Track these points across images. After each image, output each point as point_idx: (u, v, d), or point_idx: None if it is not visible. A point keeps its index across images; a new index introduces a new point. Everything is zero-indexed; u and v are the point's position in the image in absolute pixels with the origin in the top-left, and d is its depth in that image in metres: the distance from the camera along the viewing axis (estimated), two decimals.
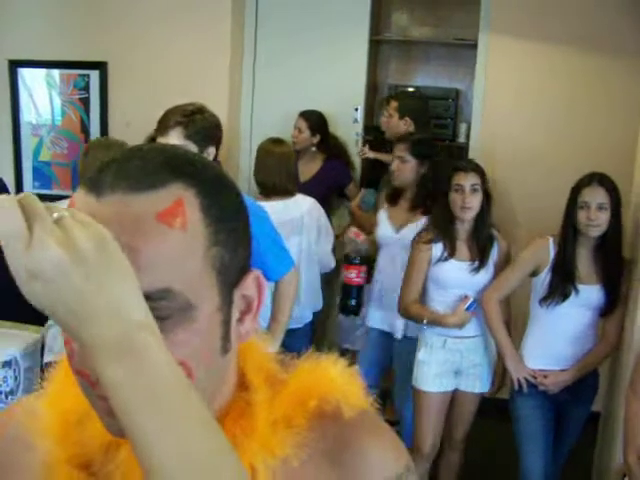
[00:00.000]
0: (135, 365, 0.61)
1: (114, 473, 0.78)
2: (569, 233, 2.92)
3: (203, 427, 0.64)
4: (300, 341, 3.51)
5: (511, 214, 4.24)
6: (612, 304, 2.96)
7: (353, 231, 3.58)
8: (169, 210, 0.68)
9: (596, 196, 2.84)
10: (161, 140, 2.48)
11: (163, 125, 2.50)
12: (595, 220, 2.84)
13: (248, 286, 0.77)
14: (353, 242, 3.55)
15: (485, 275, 3.12)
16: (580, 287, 2.92)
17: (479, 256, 3.11)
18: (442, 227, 3.13)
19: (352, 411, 0.81)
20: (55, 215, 0.60)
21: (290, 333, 3.46)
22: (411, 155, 3.41)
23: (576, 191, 2.91)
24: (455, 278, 3.13)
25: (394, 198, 3.56)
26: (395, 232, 3.46)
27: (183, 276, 0.68)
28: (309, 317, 3.65)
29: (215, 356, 0.74)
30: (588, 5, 4.17)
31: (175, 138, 2.44)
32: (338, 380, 0.83)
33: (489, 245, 3.13)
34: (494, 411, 3.40)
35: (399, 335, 3.44)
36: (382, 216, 3.56)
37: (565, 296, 2.92)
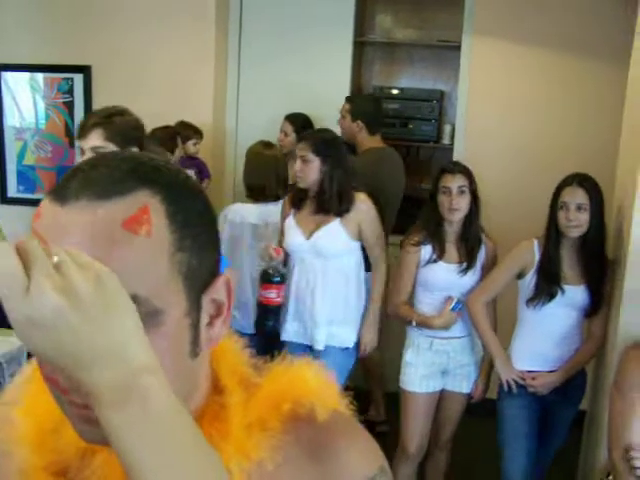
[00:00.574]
0: (137, 411, 0.61)
1: (90, 479, 0.78)
2: (552, 234, 2.94)
3: (205, 470, 0.65)
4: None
5: (496, 216, 4.25)
6: (596, 305, 2.98)
7: (273, 247, 3.31)
8: (134, 217, 0.68)
9: (575, 197, 2.86)
10: (82, 143, 2.45)
11: (83, 128, 2.46)
12: (574, 220, 2.85)
13: (217, 290, 0.76)
14: (272, 259, 3.27)
15: (473, 277, 3.13)
16: (565, 287, 2.93)
17: (467, 258, 3.12)
18: (431, 229, 3.13)
19: (326, 414, 0.81)
20: (55, 259, 0.60)
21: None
22: (314, 154, 3.17)
23: (557, 192, 2.93)
24: (443, 280, 3.13)
25: (299, 202, 3.30)
26: (306, 238, 3.23)
27: (149, 282, 0.68)
28: None
29: (184, 360, 0.74)
30: (572, 6, 4.19)
31: (95, 140, 2.41)
32: (312, 383, 0.83)
33: (477, 247, 3.14)
34: (482, 410, 3.41)
35: (320, 346, 3.28)
36: (290, 223, 3.30)
37: (551, 296, 2.93)
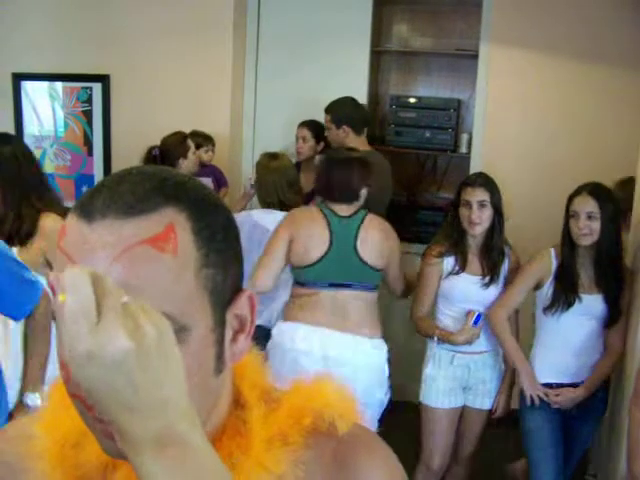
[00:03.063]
0: (177, 458, 0.61)
1: None
2: (566, 243, 2.94)
3: None
4: None
5: (514, 224, 4.23)
6: (614, 314, 2.96)
7: None
8: (160, 235, 0.68)
9: (585, 205, 2.86)
10: None
11: None
12: (584, 229, 2.85)
13: (241, 305, 0.77)
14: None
15: (495, 290, 3.10)
16: (583, 296, 2.92)
17: (490, 271, 3.08)
18: (453, 240, 3.11)
19: (347, 428, 0.81)
20: (125, 299, 0.60)
21: None
22: None
23: (569, 201, 2.93)
24: (465, 292, 3.10)
25: None
26: None
27: (176, 299, 0.69)
28: None
29: (209, 376, 0.74)
30: (589, 15, 4.18)
31: None
32: (332, 397, 0.83)
33: (500, 260, 3.10)
34: (502, 420, 3.37)
35: None
36: None
37: (569, 305, 2.91)
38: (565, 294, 2.92)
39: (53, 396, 0.86)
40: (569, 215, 2.91)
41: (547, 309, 2.96)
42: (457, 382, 3.16)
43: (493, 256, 3.09)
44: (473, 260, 3.11)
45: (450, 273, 3.10)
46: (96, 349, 0.57)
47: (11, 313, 2.33)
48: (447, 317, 3.16)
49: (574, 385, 3.01)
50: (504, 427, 3.40)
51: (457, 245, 3.10)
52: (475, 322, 3.05)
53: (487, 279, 3.08)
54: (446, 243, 3.13)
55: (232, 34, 4.57)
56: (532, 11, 4.27)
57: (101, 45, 4.67)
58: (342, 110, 4.08)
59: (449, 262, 3.11)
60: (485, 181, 3.09)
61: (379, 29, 5.01)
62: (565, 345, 2.98)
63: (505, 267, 3.13)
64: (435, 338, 3.12)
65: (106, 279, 0.60)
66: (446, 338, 3.09)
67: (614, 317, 2.96)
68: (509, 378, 3.18)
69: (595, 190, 2.89)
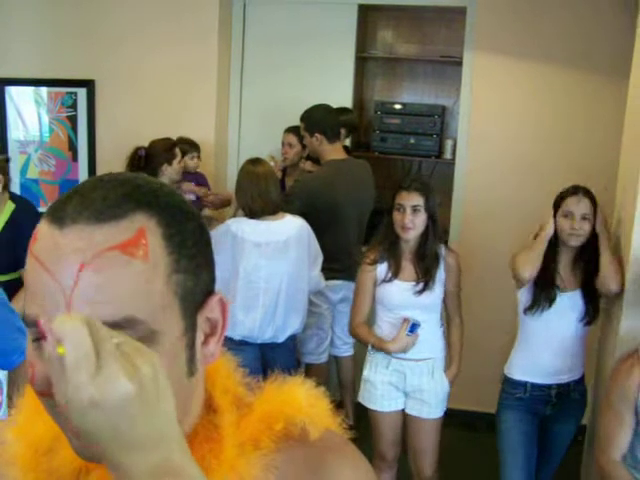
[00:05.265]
0: None
1: None
2: (550, 241, 2.93)
3: None
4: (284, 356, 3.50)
5: (498, 229, 4.26)
6: (592, 310, 2.95)
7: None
8: (131, 241, 0.69)
9: (581, 206, 2.87)
10: None
11: None
12: (578, 230, 2.86)
13: (212, 309, 0.78)
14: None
15: (430, 296, 3.06)
16: (563, 294, 2.92)
17: (424, 277, 3.03)
18: (386, 246, 3.07)
19: (318, 433, 0.82)
20: (115, 341, 0.61)
21: (274, 347, 3.46)
22: None
23: (560, 200, 2.92)
24: (400, 299, 3.06)
25: None
26: None
27: (146, 304, 0.69)
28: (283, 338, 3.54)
29: (181, 380, 0.75)
30: (570, 23, 4.21)
31: None
32: (304, 402, 0.84)
33: (434, 266, 3.05)
34: (484, 426, 3.37)
35: None
36: None
37: (549, 303, 2.91)
38: (545, 292, 2.91)
39: (26, 401, 0.86)
40: (560, 214, 2.90)
41: (528, 309, 2.95)
42: (393, 386, 3.12)
43: (427, 262, 3.04)
44: (406, 266, 3.07)
45: (383, 280, 3.06)
46: (99, 396, 0.59)
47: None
48: (385, 323, 3.11)
49: (551, 386, 2.99)
50: (487, 432, 3.39)
51: (390, 250, 3.06)
52: (411, 330, 3.00)
53: (421, 285, 3.03)
54: (380, 249, 3.09)
55: (217, 40, 4.57)
56: (516, 18, 4.30)
57: (86, 50, 4.66)
58: (314, 118, 4.07)
59: (382, 269, 3.07)
60: (420, 186, 3.04)
61: (364, 35, 5.03)
62: (545, 345, 2.97)
63: (441, 271, 3.08)
64: (369, 347, 3.11)
65: (98, 323, 0.61)
66: (380, 346, 3.06)
67: (592, 314, 2.96)
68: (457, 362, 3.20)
69: (588, 192, 2.90)
